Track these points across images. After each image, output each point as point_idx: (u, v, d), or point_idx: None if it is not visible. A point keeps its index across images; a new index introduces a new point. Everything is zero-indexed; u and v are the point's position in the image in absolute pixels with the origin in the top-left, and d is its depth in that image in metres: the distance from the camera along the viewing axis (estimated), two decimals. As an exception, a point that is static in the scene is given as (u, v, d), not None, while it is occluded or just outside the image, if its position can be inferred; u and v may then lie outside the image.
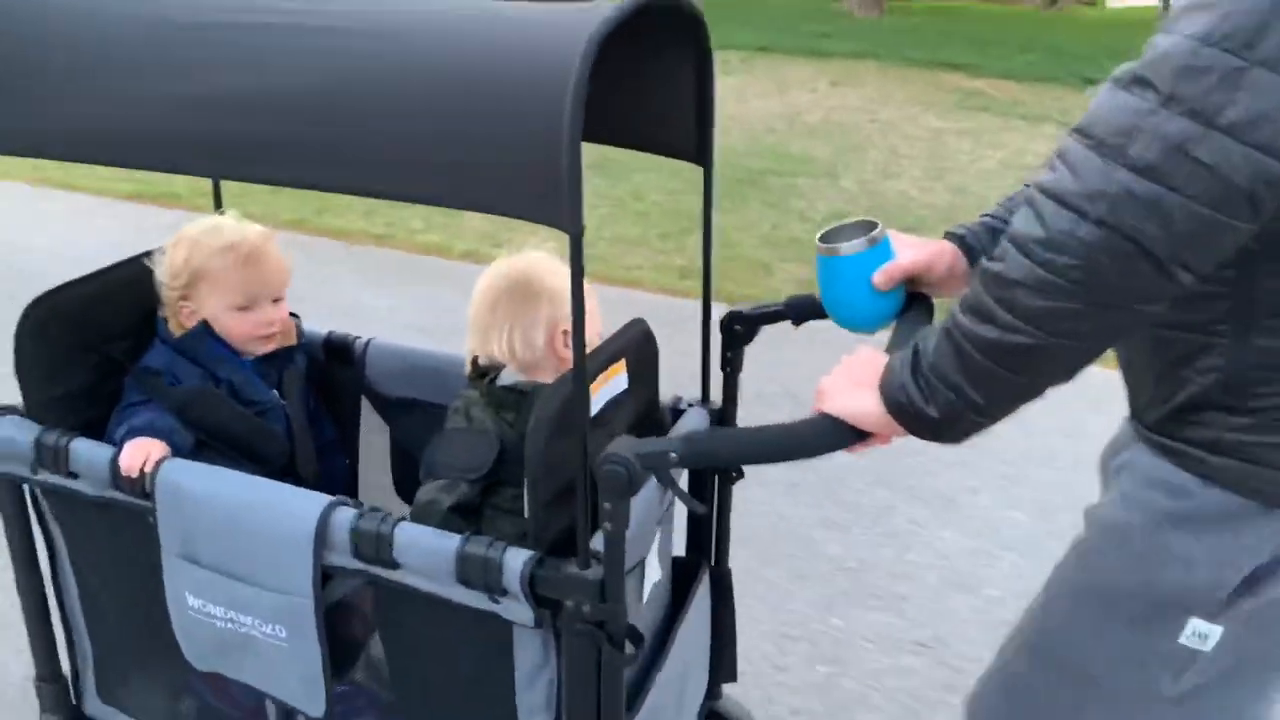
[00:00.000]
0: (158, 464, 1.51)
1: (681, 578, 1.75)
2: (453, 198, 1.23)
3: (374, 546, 1.38)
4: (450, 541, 1.35)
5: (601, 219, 5.59)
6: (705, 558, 1.82)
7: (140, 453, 1.52)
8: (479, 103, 1.15)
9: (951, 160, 6.82)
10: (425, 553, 1.36)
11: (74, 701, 1.86)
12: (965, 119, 7.71)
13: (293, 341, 1.86)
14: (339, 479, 1.97)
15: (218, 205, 2.04)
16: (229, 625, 1.50)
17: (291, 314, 1.90)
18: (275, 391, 1.81)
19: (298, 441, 1.80)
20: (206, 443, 1.68)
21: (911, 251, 1.37)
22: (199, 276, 1.74)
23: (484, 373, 1.67)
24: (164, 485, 1.50)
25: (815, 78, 8.88)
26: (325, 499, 1.42)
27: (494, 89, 1.14)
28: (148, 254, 1.81)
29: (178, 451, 1.59)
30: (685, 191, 5.90)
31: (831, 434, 1.12)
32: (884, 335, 1.37)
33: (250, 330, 1.76)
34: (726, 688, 1.95)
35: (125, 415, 1.65)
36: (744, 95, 8.32)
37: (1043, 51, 10.11)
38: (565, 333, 1.63)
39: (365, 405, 2.04)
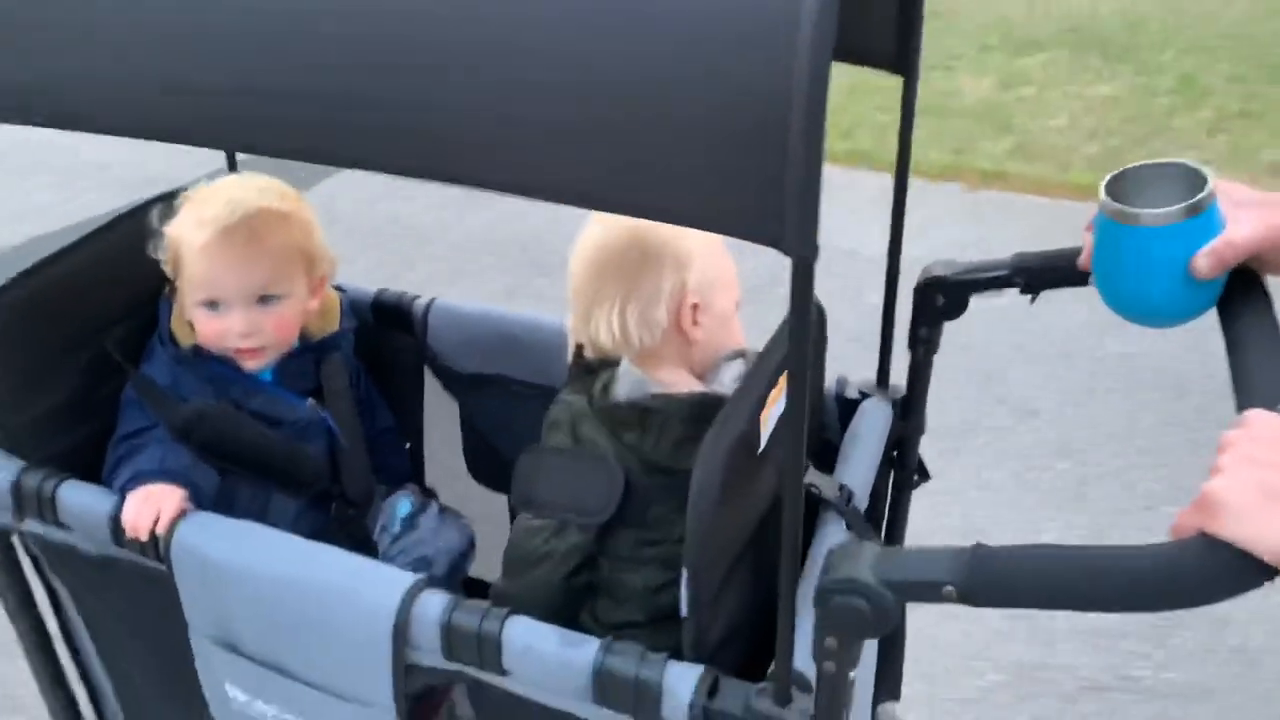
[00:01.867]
0: (172, 523, 1.13)
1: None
2: (609, 196, 0.76)
3: (475, 651, 1.00)
4: (583, 651, 0.96)
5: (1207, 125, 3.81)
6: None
7: (149, 508, 1.13)
8: (645, 46, 0.68)
9: None
10: (548, 664, 0.97)
11: None
12: None
13: (333, 327, 1.43)
14: (399, 471, 1.59)
15: (231, 164, 1.57)
16: (285, 726, 1.15)
17: (337, 287, 1.47)
18: (310, 401, 1.39)
19: (344, 458, 1.40)
20: (227, 470, 1.29)
21: (1250, 219, 0.92)
22: (177, 255, 1.30)
23: (590, 367, 1.25)
24: (182, 552, 1.12)
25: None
26: (405, 580, 1.03)
27: (671, 23, 0.68)
28: (166, 197, 1.35)
29: (200, 497, 1.20)
30: (1241, 76, 4.20)
31: (1229, 574, 0.69)
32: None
33: (213, 339, 1.30)
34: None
35: (126, 450, 1.25)
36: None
37: None
38: (695, 307, 1.20)
39: (429, 378, 1.64)
